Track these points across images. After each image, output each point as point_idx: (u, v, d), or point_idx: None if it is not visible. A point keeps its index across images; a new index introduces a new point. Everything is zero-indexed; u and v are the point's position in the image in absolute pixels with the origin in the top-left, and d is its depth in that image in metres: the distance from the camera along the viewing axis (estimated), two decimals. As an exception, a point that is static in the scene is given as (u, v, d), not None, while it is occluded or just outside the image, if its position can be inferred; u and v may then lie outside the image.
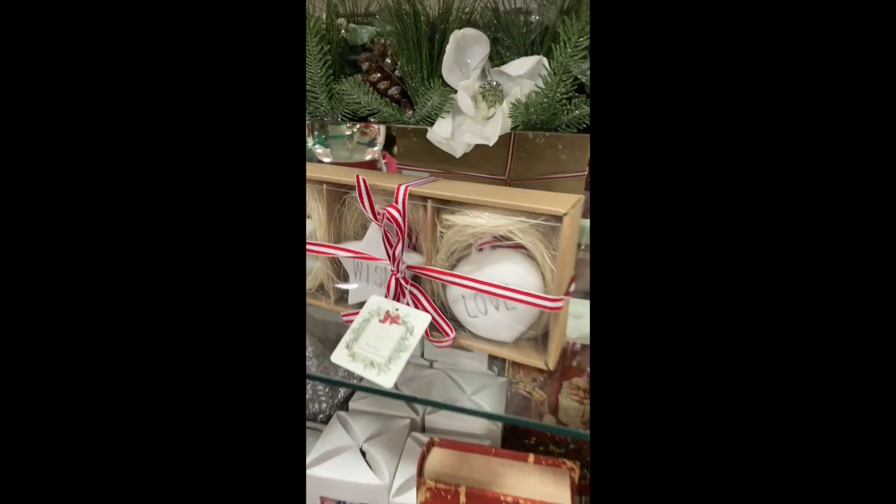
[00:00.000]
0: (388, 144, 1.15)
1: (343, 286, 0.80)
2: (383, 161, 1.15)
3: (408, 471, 0.89)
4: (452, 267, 0.70)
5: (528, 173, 0.92)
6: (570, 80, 0.64)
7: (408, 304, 0.71)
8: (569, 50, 0.62)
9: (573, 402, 0.79)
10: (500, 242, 0.68)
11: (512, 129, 0.69)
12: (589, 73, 0.63)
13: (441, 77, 0.71)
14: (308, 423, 1.02)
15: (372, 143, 1.07)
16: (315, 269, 0.80)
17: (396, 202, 0.67)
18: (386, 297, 0.71)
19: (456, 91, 0.71)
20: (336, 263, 0.79)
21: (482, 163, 0.92)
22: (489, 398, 0.91)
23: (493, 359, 0.95)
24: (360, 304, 0.77)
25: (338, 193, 0.76)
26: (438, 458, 0.80)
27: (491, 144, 0.68)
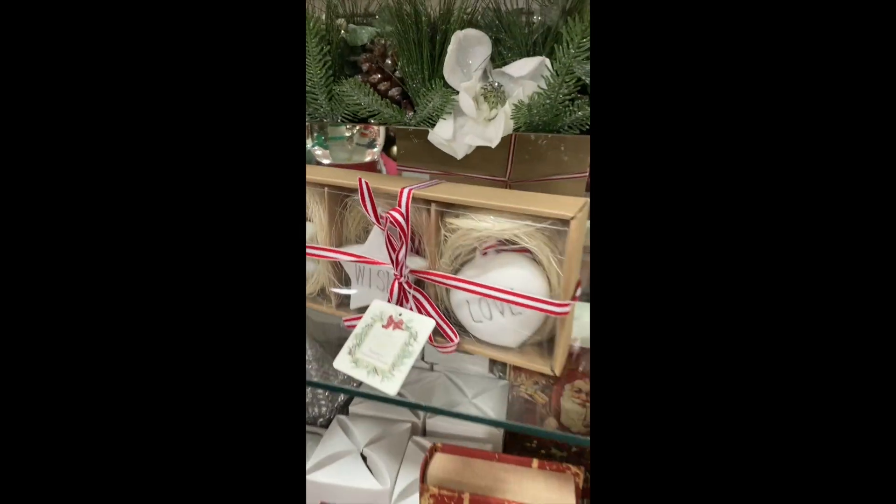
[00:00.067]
0: (386, 146, 1.14)
1: (342, 291, 0.78)
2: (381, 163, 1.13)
3: (409, 475, 0.87)
4: (456, 271, 0.68)
5: (528, 175, 0.91)
6: (573, 80, 0.63)
7: (411, 308, 0.69)
8: (571, 51, 0.61)
9: (575, 406, 0.77)
10: (505, 246, 0.66)
11: (514, 130, 0.68)
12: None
13: (442, 78, 0.70)
14: (308, 428, 1.00)
15: (371, 145, 1.05)
16: (316, 273, 0.78)
17: (400, 206, 0.65)
18: (389, 301, 0.69)
19: (457, 92, 0.69)
20: (337, 267, 0.78)
21: (483, 164, 0.91)
22: (490, 401, 0.89)
23: (494, 362, 0.94)
24: (362, 309, 0.75)
25: (339, 196, 0.74)
26: (441, 464, 0.78)
27: (493, 146, 0.67)
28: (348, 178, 0.73)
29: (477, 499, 0.71)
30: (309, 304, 0.79)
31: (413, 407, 0.93)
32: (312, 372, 0.93)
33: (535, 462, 0.77)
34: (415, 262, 0.69)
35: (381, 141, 1.06)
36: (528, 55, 0.71)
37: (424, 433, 0.98)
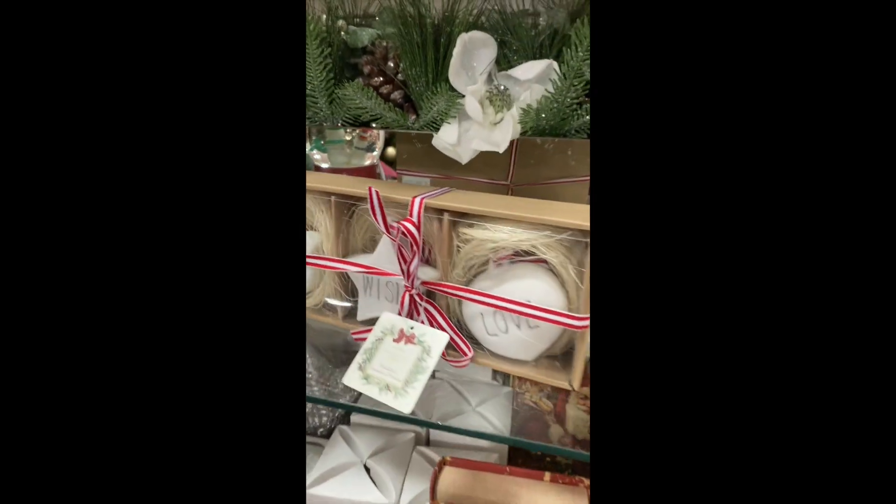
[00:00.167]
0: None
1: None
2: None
3: (415, 487, 0.84)
4: (468, 282, 0.65)
5: (531, 179, 0.88)
6: (582, 84, 0.60)
7: (422, 321, 0.66)
8: (580, 53, 0.59)
9: (581, 413, 0.75)
10: (519, 257, 0.63)
11: (521, 134, 0.65)
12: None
13: (447, 81, 0.66)
14: (308, 438, 0.97)
15: (371, 148, 1.01)
16: (322, 284, 0.75)
17: (411, 215, 0.62)
18: (399, 314, 0.66)
19: (462, 95, 0.66)
20: (344, 278, 0.74)
21: (484, 168, 0.88)
22: (495, 409, 0.86)
23: (497, 369, 0.91)
24: (370, 321, 0.72)
25: (346, 205, 0.71)
26: (451, 479, 0.75)
27: (501, 151, 0.63)
28: (355, 187, 0.69)
29: (490, 515, 0.68)
30: (314, 316, 0.76)
31: (420, 424, 0.89)
32: (313, 382, 0.89)
33: (548, 475, 0.74)
34: (425, 273, 0.66)
35: (380, 144, 1.02)
36: (534, 58, 0.68)
37: (428, 443, 0.95)
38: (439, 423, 0.79)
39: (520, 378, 0.74)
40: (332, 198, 0.69)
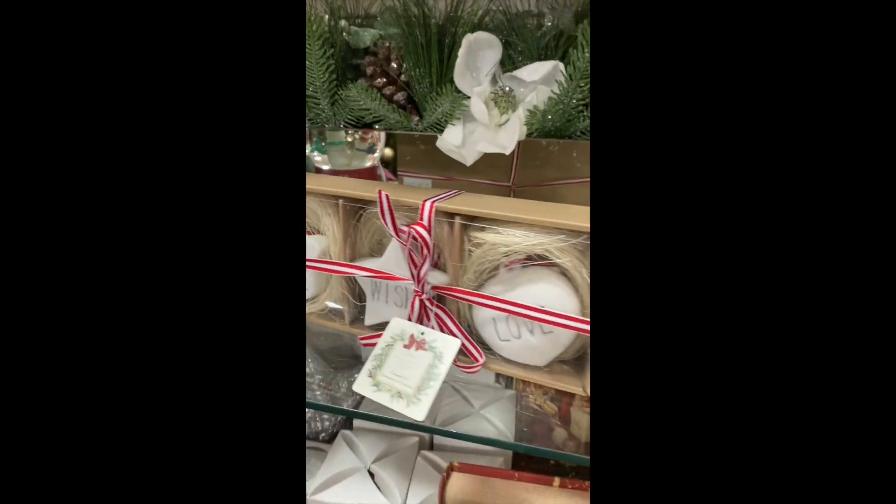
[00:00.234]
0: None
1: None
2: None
3: (420, 493, 0.83)
4: (479, 287, 0.63)
5: (533, 180, 0.86)
6: (588, 85, 0.60)
7: (432, 326, 0.64)
8: (586, 54, 0.58)
9: (585, 415, 0.74)
10: (530, 261, 0.62)
11: (527, 135, 0.64)
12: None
13: (452, 82, 0.65)
14: (310, 443, 0.95)
15: (371, 150, 0.99)
16: (328, 288, 0.73)
17: (421, 219, 0.60)
18: (409, 319, 0.64)
19: (467, 97, 0.65)
20: (351, 282, 0.72)
21: (486, 169, 0.86)
22: (499, 412, 0.85)
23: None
24: (378, 326, 0.70)
25: (353, 209, 0.69)
26: (459, 485, 0.73)
27: (508, 153, 0.62)
28: (363, 190, 0.67)
29: (500, 522, 0.66)
30: (320, 321, 0.74)
31: (423, 430, 0.87)
32: (315, 386, 0.88)
33: (557, 481, 0.73)
34: (435, 278, 0.64)
35: (381, 146, 1.00)
36: (539, 59, 0.67)
37: (432, 447, 0.93)
38: (444, 428, 0.78)
39: (524, 381, 0.73)
40: (340, 201, 0.67)
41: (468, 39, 0.63)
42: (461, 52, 0.63)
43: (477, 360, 0.63)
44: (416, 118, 0.70)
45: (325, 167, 0.99)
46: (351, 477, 0.84)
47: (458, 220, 0.61)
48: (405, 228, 0.60)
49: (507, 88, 0.66)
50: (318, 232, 0.72)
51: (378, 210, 0.59)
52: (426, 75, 0.68)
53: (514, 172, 0.86)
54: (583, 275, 0.58)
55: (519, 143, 0.81)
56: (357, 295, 0.72)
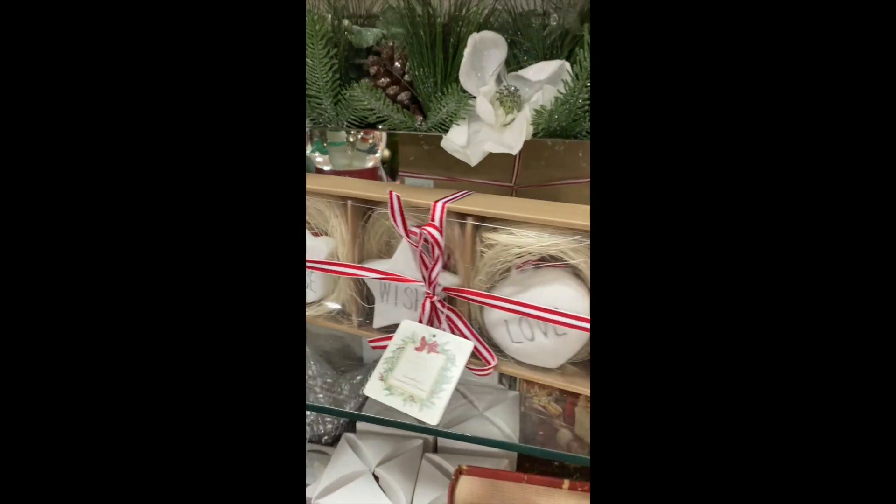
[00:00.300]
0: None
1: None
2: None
3: (426, 496, 0.82)
4: (490, 288, 0.62)
5: (535, 180, 0.85)
6: None
7: (443, 328, 0.63)
8: None
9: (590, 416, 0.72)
10: (542, 262, 0.61)
11: (533, 135, 0.63)
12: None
13: (457, 82, 0.64)
14: (313, 447, 0.94)
15: (372, 150, 0.98)
16: (336, 290, 0.71)
17: (433, 220, 0.59)
18: (420, 321, 0.63)
19: (473, 97, 0.64)
20: (359, 284, 0.71)
21: (488, 170, 0.85)
22: (503, 414, 0.84)
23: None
24: (386, 328, 0.69)
25: (361, 210, 0.68)
26: (468, 488, 0.72)
27: (515, 153, 0.61)
28: (370, 191, 0.66)
29: (512, 526, 0.65)
30: (329, 324, 0.72)
31: (427, 431, 0.86)
32: (317, 389, 0.86)
33: (566, 483, 0.72)
34: (445, 280, 0.63)
35: (382, 146, 0.99)
36: (544, 58, 0.66)
37: (436, 449, 0.92)
38: (449, 430, 0.77)
39: (528, 382, 0.72)
40: (349, 202, 0.66)
41: (474, 39, 0.62)
42: (467, 51, 0.62)
43: (489, 363, 0.62)
44: (420, 118, 0.69)
45: (326, 168, 0.97)
46: (356, 480, 0.83)
47: (470, 221, 0.60)
48: (416, 230, 0.59)
49: (513, 88, 0.65)
50: (326, 233, 0.70)
51: (387, 211, 0.58)
52: (430, 75, 0.67)
53: (516, 172, 0.85)
54: (597, 276, 0.57)
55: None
56: (365, 297, 0.71)
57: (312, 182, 0.69)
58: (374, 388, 0.60)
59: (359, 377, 0.87)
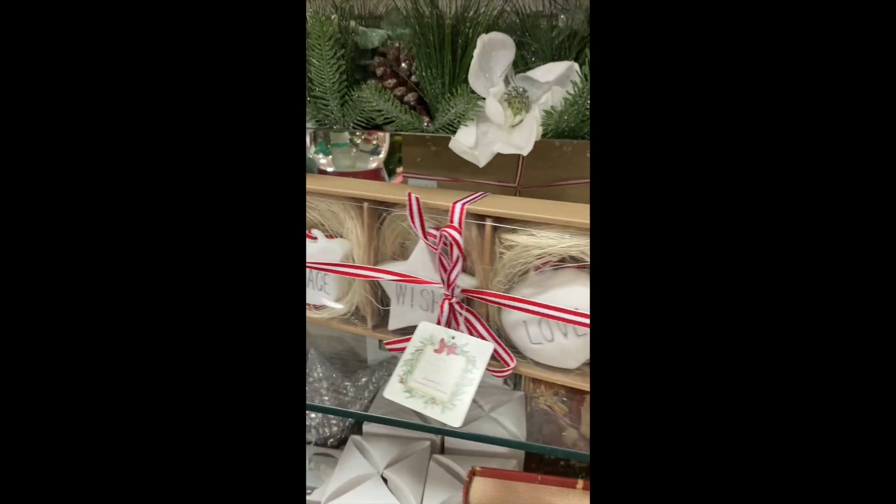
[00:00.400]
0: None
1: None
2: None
3: (435, 498, 0.81)
4: (508, 290, 0.62)
5: (538, 180, 0.85)
6: None
7: (461, 330, 0.63)
8: None
9: (596, 415, 0.72)
10: (561, 263, 0.60)
11: (542, 136, 0.62)
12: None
13: (465, 83, 0.64)
14: (320, 449, 0.92)
15: (375, 151, 0.97)
16: (351, 292, 0.70)
17: (452, 222, 0.59)
18: (438, 322, 0.62)
19: (482, 98, 0.63)
20: (374, 286, 0.70)
21: (492, 170, 0.84)
22: (509, 415, 0.83)
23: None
24: (401, 330, 0.68)
25: (376, 212, 0.67)
26: (482, 489, 0.72)
27: (525, 153, 0.61)
28: (387, 193, 0.65)
29: (528, 526, 0.65)
30: (343, 326, 0.71)
31: (434, 431, 0.85)
32: (322, 391, 0.85)
33: (580, 483, 0.72)
34: (462, 281, 0.62)
35: (385, 147, 0.98)
36: (552, 59, 0.66)
37: (443, 451, 0.91)
38: (456, 430, 0.76)
39: (533, 382, 0.72)
40: (366, 204, 0.65)
41: (483, 40, 0.62)
42: (476, 52, 0.62)
43: (508, 364, 0.62)
44: (427, 119, 0.68)
45: (330, 169, 0.96)
46: (365, 483, 0.82)
47: (488, 223, 0.59)
48: (434, 231, 0.59)
49: (521, 89, 0.65)
50: (340, 236, 0.69)
51: (402, 213, 0.57)
52: (438, 76, 0.67)
53: (519, 173, 0.85)
54: (618, 276, 0.57)
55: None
56: (380, 298, 0.70)
57: (327, 184, 0.68)
58: (394, 391, 0.59)
59: (363, 379, 0.86)
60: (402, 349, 0.62)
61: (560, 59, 0.65)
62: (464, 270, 0.64)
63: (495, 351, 0.61)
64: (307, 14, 0.68)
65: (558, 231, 0.57)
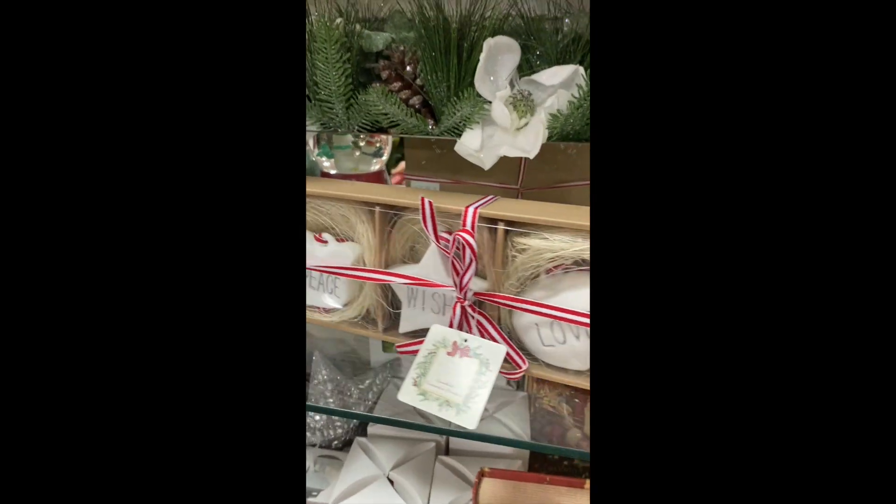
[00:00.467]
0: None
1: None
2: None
3: (442, 499, 0.81)
4: (520, 292, 0.62)
5: (540, 182, 0.86)
6: None
7: (473, 333, 0.63)
8: None
9: (600, 415, 0.73)
10: (572, 266, 0.61)
11: (547, 139, 0.63)
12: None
13: (472, 86, 0.64)
14: (325, 451, 0.92)
15: (378, 154, 0.97)
16: (361, 296, 0.70)
17: (465, 225, 0.59)
18: (450, 325, 0.63)
19: (488, 101, 0.64)
20: (385, 289, 0.70)
21: (494, 172, 0.85)
22: (513, 415, 0.84)
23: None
24: (412, 333, 0.68)
25: (387, 215, 0.67)
26: (492, 490, 0.72)
27: (532, 157, 0.61)
28: (399, 197, 0.65)
29: (539, 527, 0.65)
30: (354, 329, 0.71)
31: (440, 432, 0.85)
32: (327, 394, 0.85)
33: (588, 482, 0.72)
34: (474, 284, 0.63)
35: (388, 149, 0.98)
36: (557, 63, 0.66)
37: (448, 451, 0.92)
38: (462, 431, 0.77)
39: (537, 382, 0.72)
40: (377, 208, 0.65)
41: (489, 44, 0.62)
42: (482, 56, 0.62)
43: (520, 367, 0.62)
44: (432, 122, 0.68)
45: (332, 171, 0.96)
46: (371, 485, 0.82)
47: (501, 226, 0.59)
48: (446, 235, 0.59)
49: (527, 92, 0.65)
50: (351, 239, 0.69)
51: (414, 216, 0.57)
52: (444, 80, 0.67)
53: (521, 175, 0.85)
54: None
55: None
56: (391, 302, 0.70)
57: (338, 188, 0.68)
58: (407, 393, 0.59)
59: (367, 381, 0.86)
60: (414, 352, 0.62)
61: (565, 62, 0.66)
62: (475, 273, 0.65)
63: (507, 353, 0.61)
64: (312, 17, 0.68)
65: (570, 234, 0.58)
